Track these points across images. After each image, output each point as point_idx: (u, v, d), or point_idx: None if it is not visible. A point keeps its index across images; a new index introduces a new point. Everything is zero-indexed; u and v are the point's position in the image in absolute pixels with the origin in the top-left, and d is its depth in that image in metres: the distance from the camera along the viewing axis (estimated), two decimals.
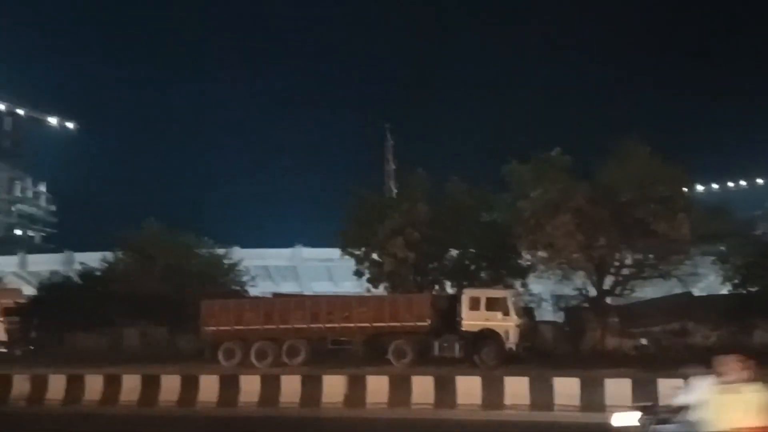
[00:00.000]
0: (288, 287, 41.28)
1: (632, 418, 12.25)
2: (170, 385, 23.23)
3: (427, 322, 27.75)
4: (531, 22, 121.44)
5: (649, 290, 31.47)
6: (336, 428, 19.20)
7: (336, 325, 28.64)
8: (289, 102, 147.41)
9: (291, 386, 22.48)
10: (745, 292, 29.95)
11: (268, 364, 27.39)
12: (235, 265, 37.80)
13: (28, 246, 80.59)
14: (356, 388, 21.87)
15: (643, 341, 29.96)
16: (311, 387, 22.20)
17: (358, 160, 62.48)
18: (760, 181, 64.42)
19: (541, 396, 20.52)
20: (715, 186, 58.05)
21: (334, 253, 37.55)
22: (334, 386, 22.11)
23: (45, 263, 50.95)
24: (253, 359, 27.98)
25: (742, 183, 64.31)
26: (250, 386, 22.77)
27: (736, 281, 30.40)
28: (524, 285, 32.85)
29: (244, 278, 38.14)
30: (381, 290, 32.98)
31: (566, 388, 20.63)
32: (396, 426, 19.51)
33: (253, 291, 38.26)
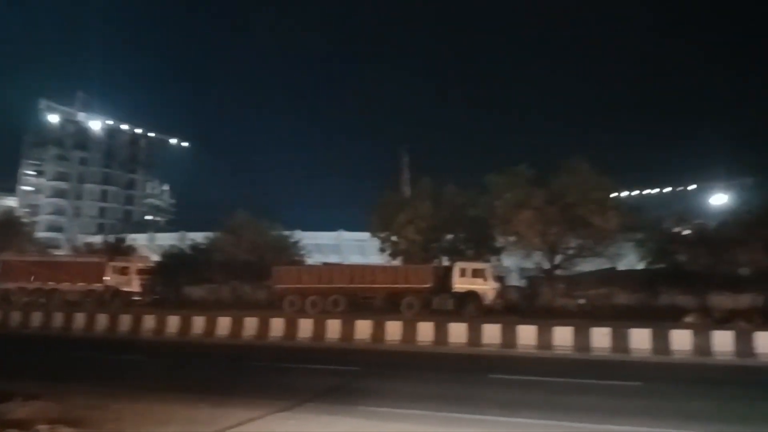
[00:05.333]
0: (332, 259, 41.22)
1: None
2: (251, 324, 23.61)
3: (429, 285, 27.82)
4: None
5: (587, 265, 31.26)
6: (365, 357, 19.27)
7: (365, 285, 28.78)
8: (332, 130, 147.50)
9: (333, 327, 22.76)
10: (654, 268, 29.70)
11: (318, 311, 27.58)
12: (296, 242, 37.98)
13: (155, 227, 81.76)
14: (378, 329, 22.06)
15: (582, 301, 29.78)
16: (347, 328, 22.44)
17: (383, 170, 62.69)
18: (667, 189, 64.55)
19: (509, 338, 20.57)
20: (635, 192, 57.65)
21: (366, 235, 37.78)
22: (363, 328, 22.32)
23: (167, 239, 51.46)
24: (308, 308, 28.23)
25: (656, 190, 64.38)
26: (305, 326, 23.08)
27: (648, 260, 30.14)
28: (499, 260, 32.80)
29: (302, 252, 38.30)
30: (398, 262, 33.12)
31: (527, 333, 20.69)
32: (407, 356, 19.58)
33: (308, 261, 38.45)
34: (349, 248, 50.31)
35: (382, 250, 34.09)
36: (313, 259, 39.75)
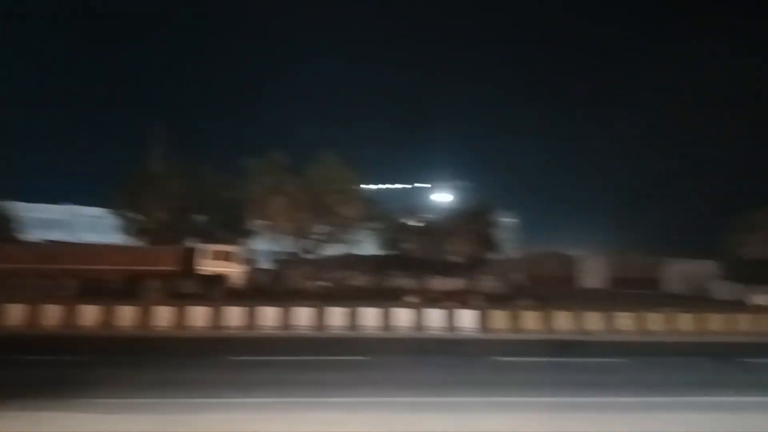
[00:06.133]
0: (62, 237, 36.01)
1: None
2: None
3: (174, 267, 26.25)
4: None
5: (331, 250, 33.16)
6: (94, 345, 17.33)
7: (101, 267, 25.79)
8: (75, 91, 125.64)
9: (53, 313, 20.02)
10: (386, 254, 33.05)
11: (41, 295, 23.74)
12: (13, 215, 32.19)
13: None
14: (110, 315, 20.09)
15: (324, 283, 31.51)
16: (71, 314, 19.94)
17: (133, 142, 56.29)
18: (407, 186, 71.57)
19: (253, 319, 20.67)
20: (377, 186, 62.98)
21: (103, 212, 34.00)
22: (90, 313, 20.08)
23: None
24: (24, 291, 24.05)
25: (394, 186, 70.73)
26: (15, 312, 19.94)
27: (381, 247, 33.39)
28: (249, 243, 32.64)
29: (20, 227, 32.61)
30: (143, 242, 30.53)
31: (270, 314, 21.03)
32: (143, 342, 18.22)
33: (30, 238, 32.92)
34: (82, 225, 44.53)
35: (125, 228, 31.02)
36: (38, 237, 34.16)
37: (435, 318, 22.36)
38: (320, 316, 21.51)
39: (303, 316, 21.46)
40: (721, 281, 38.29)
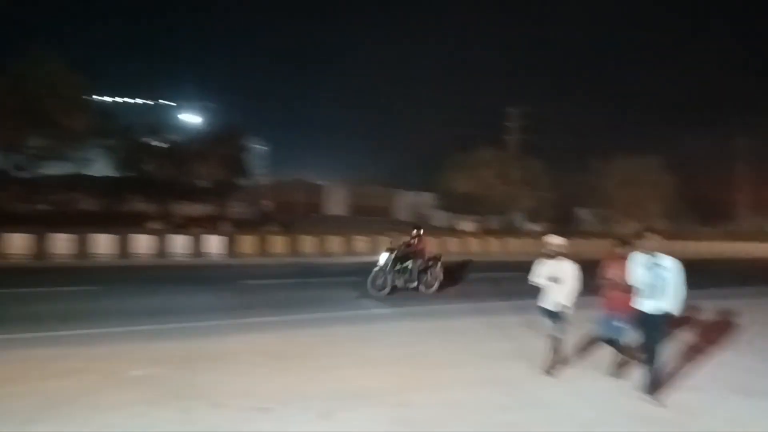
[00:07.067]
0: None
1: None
2: None
3: None
4: None
5: (52, 169, 28.37)
6: None
7: None
8: None
9: None
10: (122, 176, 29.80)
11: None
12: None
13: None
14: None
15: (47, 206, 27.17)
16: None
17: None
18: (150, 102, 65.39)
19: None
20: (112, 98, 55.78)
21: None
22: None
23: None
24: None
25: (133, 100, 64.02)
26: None
27: (117, 168, 29.95)
28: None
29: None
30: None
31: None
32: None
33: None
34: None
35: None
36: None
37: (180, 244, 21.23)
38: (40, 243, 18.51)
39: (17, 243, 18.26)
40: (437, 210, 44.76)
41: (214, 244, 21.97)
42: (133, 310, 10.92)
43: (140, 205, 29.85)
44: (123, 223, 23.23)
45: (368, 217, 42.90)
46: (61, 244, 19.07)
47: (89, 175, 29.90)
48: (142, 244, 20.50)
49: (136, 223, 24.84)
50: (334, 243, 24.68)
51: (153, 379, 6.45)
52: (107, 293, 12.72)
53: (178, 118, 55.20)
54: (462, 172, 38.37)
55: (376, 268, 13.32)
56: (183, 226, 26.07)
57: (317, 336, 9.02)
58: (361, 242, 25.17)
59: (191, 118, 53.39)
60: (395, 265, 13.54)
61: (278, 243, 23.43)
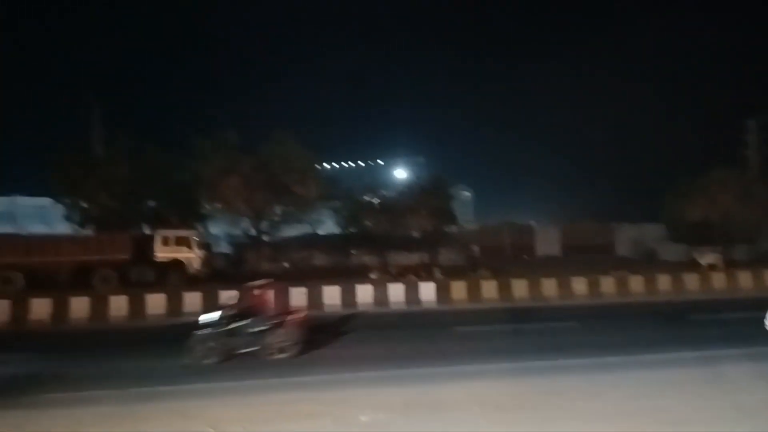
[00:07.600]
0: (5, 229, 34.08)
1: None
2: None
3: (126, 255, 25.27)
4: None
5: (291, 231, 32.65)
6: (43, 338, 16.57)
7: (48, 259, 24.56)
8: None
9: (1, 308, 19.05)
10: (346, 232, 32.79)
11: None
12: None
13: None
14: (61, 308, 19.24)
15: (286, 264, 31.13)
16: (19, 308, 19.01)
17: (71, 124, 52.35)
18: (361, 163, 71.48)
19: (211, 303, 20.10)
20: (335, 165, 62.50)
21: (48, 201, 32.24)
22: (40, 307, 19.20)
23: None
24: None
25: (352, 164, 70.53)
26: None
27: (342, 225, 33.11)
28: (205, 227, 31.75)
29: None
30: (89, 231, 29.16)
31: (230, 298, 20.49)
32: (97, 334, 17.53)
33: None
34: (27, 216, 42.31)
35: (68, 217, 29.56)
36: None
37: (396, 293, 22.40)
38: (281, 297, 21.18)
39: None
40: (668, 243, 39.83)
41: (426, 292, 22.75)
42: (361, 355, 11.75)
43: (363, 258, 32.56)
44: (349, 275, 25.52)
45: (585, 255, 40.16)
46: (297, 296, 21.55)
47: (320, 234, 33.80)
48: (364, 293, 22.19)
49: (360, 274, 27.06)
50: (548, 286, 23.56)
51: (379, 424, 6.80)
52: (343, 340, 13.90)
53: (391, 174, 59.53)
54: (694, 197, 33.96)
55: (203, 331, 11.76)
56: (399, 275, 27.55)
57: (534, 386, 8.62)
58: (579, 284, 23.63)
59: (402, 174, 57.14)
60: (227, 326, 11.80)
61: (489, 288, 23.24)
